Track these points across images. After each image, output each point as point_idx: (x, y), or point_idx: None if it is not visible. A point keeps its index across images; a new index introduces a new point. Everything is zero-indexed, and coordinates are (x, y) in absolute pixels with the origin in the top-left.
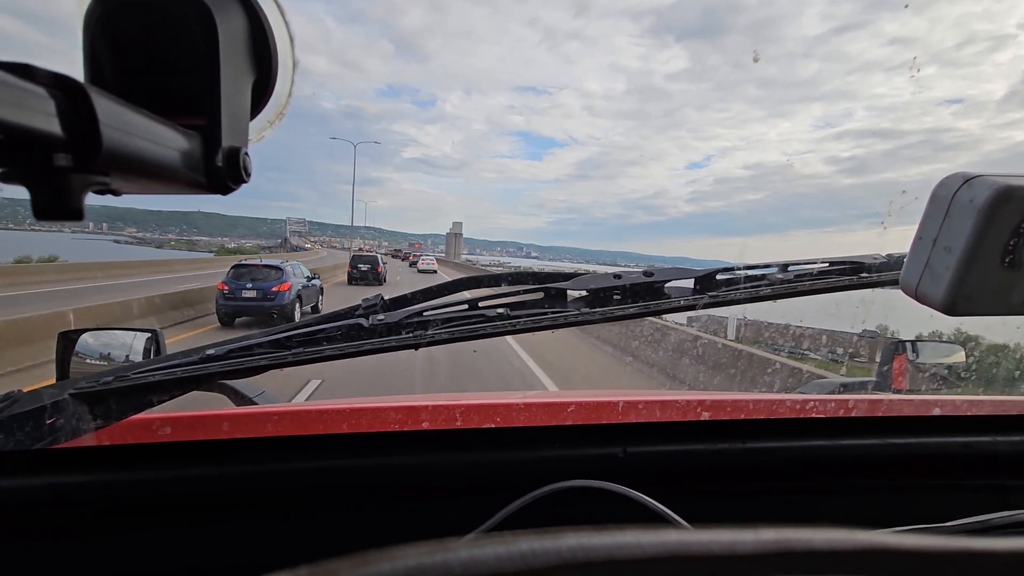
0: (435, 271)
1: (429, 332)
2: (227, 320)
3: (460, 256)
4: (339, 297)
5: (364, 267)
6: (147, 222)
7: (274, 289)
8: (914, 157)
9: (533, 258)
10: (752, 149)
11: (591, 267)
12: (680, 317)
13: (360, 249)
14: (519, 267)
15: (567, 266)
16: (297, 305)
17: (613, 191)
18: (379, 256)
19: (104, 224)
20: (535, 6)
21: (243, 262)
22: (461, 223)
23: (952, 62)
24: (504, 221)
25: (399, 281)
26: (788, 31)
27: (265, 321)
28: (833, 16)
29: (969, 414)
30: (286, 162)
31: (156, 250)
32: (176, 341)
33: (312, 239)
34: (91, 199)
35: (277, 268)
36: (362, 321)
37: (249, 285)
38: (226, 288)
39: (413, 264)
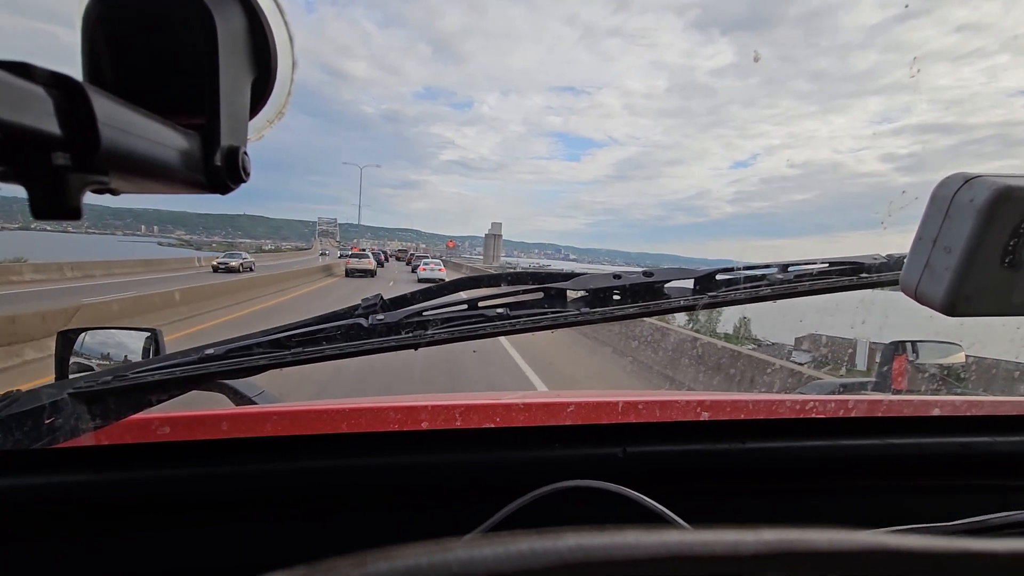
0: (443, 280)
1: (429, 332)
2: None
3: (499, 259)
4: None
5: None
6: (196, 225)
7: None
8: (980, 153)
9: (571, 260)
10: (802, 147)
11: (633, 271)
12: (785, 336)
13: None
14: (561, 270)
15: (607, 268)
16: None
17: (653, 192)
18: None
19: (155, 227)
20: (574, 3)
21: None
22: (500, 223)
23: None
24: (541, 223)
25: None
26: (843, 20)
27: None
28: (894, 3)
29: (968, 414)
30: (330, 167)
31: (195, 251)
32: None
33: (336, 241)
34: (141, 203)
35: None
36: (361, 321)
37: None
38: None
39: (415, 269)
